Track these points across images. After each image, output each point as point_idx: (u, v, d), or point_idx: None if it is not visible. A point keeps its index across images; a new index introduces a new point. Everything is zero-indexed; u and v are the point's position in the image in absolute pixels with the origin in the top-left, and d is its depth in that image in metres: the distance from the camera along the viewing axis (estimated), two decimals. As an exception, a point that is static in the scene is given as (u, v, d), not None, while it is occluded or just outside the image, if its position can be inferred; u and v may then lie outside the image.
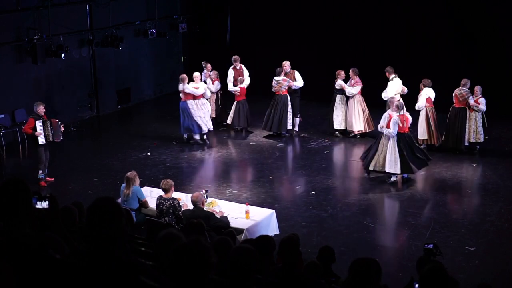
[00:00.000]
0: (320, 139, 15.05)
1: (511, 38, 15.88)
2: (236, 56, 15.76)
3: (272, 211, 9.73)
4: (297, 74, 15.14)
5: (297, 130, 15.34)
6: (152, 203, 9.49)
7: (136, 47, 18.48)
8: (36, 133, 11.95)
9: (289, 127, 15.08)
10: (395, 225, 10.35)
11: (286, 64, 15.11)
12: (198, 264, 2.91)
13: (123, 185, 9.72)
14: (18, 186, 3.43)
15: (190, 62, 20.09)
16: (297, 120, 15.29)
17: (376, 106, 14.80)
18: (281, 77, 14.95)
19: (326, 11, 18.13)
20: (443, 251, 6.86)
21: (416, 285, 4.80)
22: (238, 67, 15.70)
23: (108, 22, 16.99)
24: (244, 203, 9.83)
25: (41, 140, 12.03)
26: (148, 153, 14.44)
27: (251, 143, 14.98)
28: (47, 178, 12.36)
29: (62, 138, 12.37)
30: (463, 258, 9.18)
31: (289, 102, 15.00)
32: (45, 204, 4.04)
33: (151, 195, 9.88)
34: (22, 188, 3.44)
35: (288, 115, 14.98)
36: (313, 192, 11.82)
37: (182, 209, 9.04)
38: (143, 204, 9.61)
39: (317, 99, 16.52)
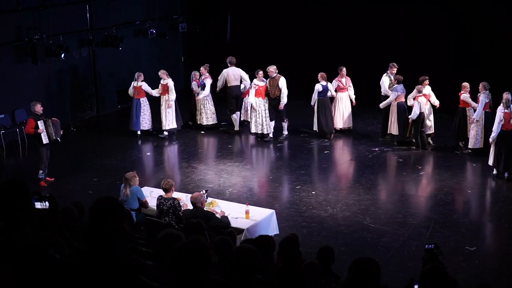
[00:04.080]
0: (320, 139, 15.05)
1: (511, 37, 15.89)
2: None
3: (272, 211, 9.72)
4: (281, 81, 14.64)
5: (286, 133, 15.13)
6: (152, 203, 9.49)
7: (136, 47, 18.48)
8: (38, 130, 11.92)
9: (261, 130, 14.86)
10: (395, 225, 10.34)
11: (271, 69, 14.73)
12: (198, 264, 2.91)
13: (123, 185, 9.72)
14: (18, 186, 3.44)
15: (190, 62, 20.10)
16: (285, 124, 15.11)
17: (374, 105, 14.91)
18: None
19: (327, 11, 18.12)
20: (443, 251, 6.85)
21: (416, 286, 4.80)
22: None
23: (108, 22, 17.00)
24: (244, 203, 9.83)
25: (45, 139, 12.00)
26: (148, 153, 14.44)
27: (251, 144, 14.98)
28: (47, 178, 12.35)
29: (60, 139, 12.35)
30: (463, 258, 9.18)
31: (254, 106, 14.77)
32: (45, 205, 4.03)
33: (151, 195, 9.88)
34: (22, 188, 3.44)
35: (255, 118, 14.84)
36: (313, 192, 11.82)
37: (182, 209, 9.04)
38: (143, 204, 9.61)
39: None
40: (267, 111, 14.80)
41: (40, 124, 11.93)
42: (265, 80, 14.82)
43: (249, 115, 15.26)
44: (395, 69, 14.66)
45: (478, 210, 11.39)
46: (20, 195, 3.42)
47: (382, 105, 14.61)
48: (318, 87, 14.95)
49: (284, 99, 14.65)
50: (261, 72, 14.82)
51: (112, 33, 16.96)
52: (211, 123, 15.90)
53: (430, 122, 14.04)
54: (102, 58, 17.70)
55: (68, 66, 16.68)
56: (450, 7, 16.53)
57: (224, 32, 19.84)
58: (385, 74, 14.75)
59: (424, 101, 13.81)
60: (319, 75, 15.02)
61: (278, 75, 14.74)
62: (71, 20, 16.49)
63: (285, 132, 15.18)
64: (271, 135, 14.95)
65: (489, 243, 9.91)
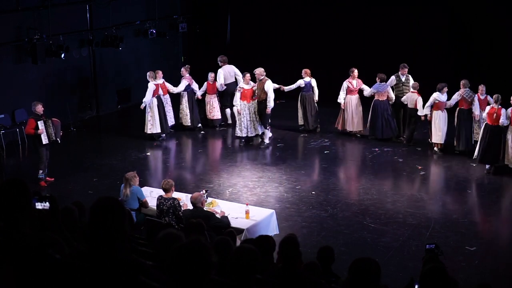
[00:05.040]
0: (320, 139, 15.05)
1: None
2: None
3: (272, 211, 9.73)
4: (267, 84, 14.20)
5: (267, 141, 14.63)
6: (152, 203, 9.49)
7: (136, 47, 18.47)
8: (38, 131, 11.91)
9: (245, 134, 14.53)
10: (395, 225, 10.34)
11: (258, 71, 14.30)
12: (198, 264, 2.91)
13: (123, 185, 9.72)
14: (18, 186, 3.44)
15: (190, 62, 20.10)
16: (267, 132, 14.67)
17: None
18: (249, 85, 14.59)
19: (327, 11, 18.12)
20: (443, 251, 6.85)
21: (416, 286, 4.80)
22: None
23: (108, 22, 16.99)
24: (244, 203, 9.83)
25: (45, 139, 11.99)
26: (148, 153, 14.44)
27: (251, 144, 14.96)
28: (47, 178, 12.35)
29: (60, 140, 12.35)
30: (463, 258, 9.18)
31: (239, 109, 14.52)
32: (45, 205, 4.03)
33: (151, 195, 9.88)
34: (22, 188, 3.44)
35: (239, 121, 14.57)
36: (313, 192, 11.82)
37: (182, 209, 9.04)
38: (143, 204, 9.61)
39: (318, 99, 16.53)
40: (252, 115, 14.44)
41: (40, 124, 11.92)
42: (252, 83, 14.50)
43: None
44: (406, 70, 14.60)
45: (478, 210, 11.39)
46: (20, 195, 3.42)
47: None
48: (300, 82, 15.20)
49: (270, 103, 14.26)
50: (248, 75, 14.52)
51: (112, 33, 16.96)
52: (185, 124, 15.81)
53: (440, 131, 13.76)
54: (102, 58, 17.70)
55: (68, 66, 16.67)
56: (450, 7, 16.54)
57: (224, 32, 19.83)
58: (395, 74, 14.68)
59: (415, 99, 13.99)
60: (303, 71, 15.20)
61: (265, 77, 14.30)
62: (71, 20, 16.48)
63: (266, 141, 14.66)
64: (267, 140, 14.61)
65: (489, 243, 9.90)
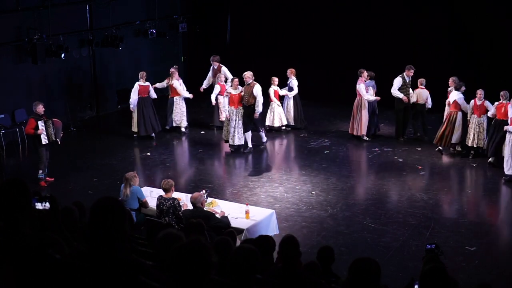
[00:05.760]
0: (320, 139, 15.06)
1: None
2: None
3: (272, 211, 9.73)
4: (256, 88, 13.70)
5: (264, 140, 14.46)
6: (152, 203, 9.49)
7: (136, 47, 18.48)
8: (38, 131, 11.92)
9: (233, 142, 13.98)
10: (395, 225, 10.34)
11: (247, 75, 13.80)
12: (198, 264, 2.91)
13: (123, 185, 9.72)
14: (18, 186, 3.44)
15: (190, 62, 20.11)
16: (262, 134, 14.36)
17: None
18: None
19: (327, 11, 18.12)
20: (443, 251, 6.85)
21: (416, 286, 4.80)
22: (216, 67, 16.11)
23: (108, 22, 17.00)
24: (244, 203, 9.83)
25: (44, 140, 12.00)
26: (148, 153, 14.44)
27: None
28: (47, 178, 12.35)
29: (59, 141, 12.35)
30: (463, 258, 9.18)
31: (227, 115, 14.13)
32: (45, 205, 4.03)
33: (151, 195, 9.88)
34: (22, 188, 3.44)
35: (227, 127, 14.14)
36: (313, 192, 11.82)
37: (182, 209, 9.04)
38: (143, 204, 9.61)
39: (317, 99, 16.55)
40: (238, 122, 13.94)
41: (40, 124, 11.93)
42: (240, 87, 14.04)
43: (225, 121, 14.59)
44: (412, 71, 14.49)
45: (478, 210, 11.39)
46: (20, 195, 3.42)
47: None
48: (296, 82, 15.25)
49: (259, 108, 13.72)
50: (236, 80, 14.09)
51: (112, 33, 16.96)
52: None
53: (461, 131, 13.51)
54: (102, 58, 17.71)
55: (68, 66, 16.68)
56: (450, 7, 16.53)
57: (224, 32, 19.84)
58: (400, 75, 14.61)
59: (427, 95, 14.29)
60: (289, 71, 15.33)
61: (254, 82, 13.76)
62: (71, 20, 16.48)
63: (264, 140, 14.44)
64: (250, 145, 14.15)
65: (489, 243, 9.90)
